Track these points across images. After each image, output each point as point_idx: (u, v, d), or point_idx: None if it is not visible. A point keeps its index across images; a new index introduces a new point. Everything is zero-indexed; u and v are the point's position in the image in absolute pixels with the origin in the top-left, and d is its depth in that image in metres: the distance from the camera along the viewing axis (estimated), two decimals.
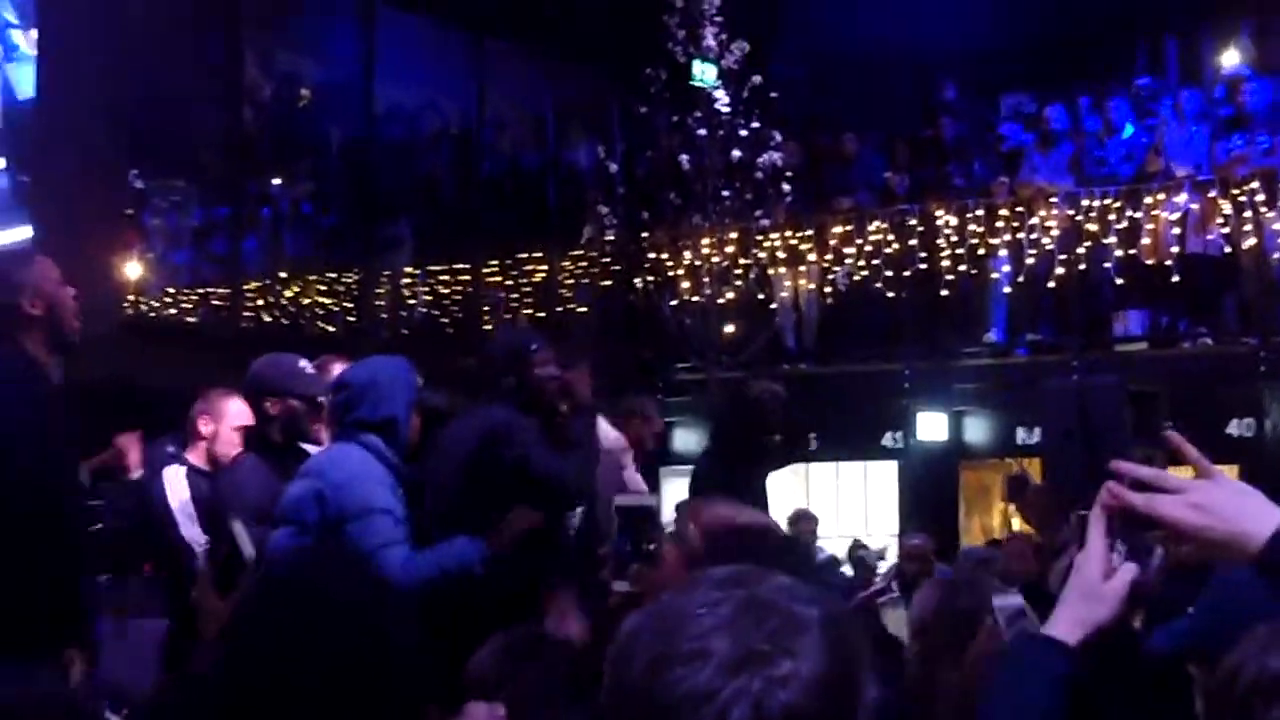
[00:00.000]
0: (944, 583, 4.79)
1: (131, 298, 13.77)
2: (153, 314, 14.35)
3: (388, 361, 6.13)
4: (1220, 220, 14.57)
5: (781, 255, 16.42)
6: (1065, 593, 2.42)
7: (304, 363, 6.54)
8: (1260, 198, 14.34)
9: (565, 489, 6.23)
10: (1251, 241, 14.46)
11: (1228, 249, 14.61)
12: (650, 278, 16.69)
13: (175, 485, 6.67)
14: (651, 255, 16.78)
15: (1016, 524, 13.67)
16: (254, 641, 2.19)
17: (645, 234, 16.58)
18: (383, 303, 16.42)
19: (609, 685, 1.62)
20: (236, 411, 6.82)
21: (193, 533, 6.57)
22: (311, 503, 5.74)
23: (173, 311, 14.90)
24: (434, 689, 2.25)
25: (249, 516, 6.13)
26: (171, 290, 15.07)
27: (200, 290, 15.37)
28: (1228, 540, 2.33)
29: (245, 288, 15.28)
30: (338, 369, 6.71)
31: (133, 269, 13.83)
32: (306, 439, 6.50)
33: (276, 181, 16.11)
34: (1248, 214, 14.42)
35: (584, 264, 17.59)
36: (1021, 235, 15.37)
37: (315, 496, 5.74)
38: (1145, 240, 14.88)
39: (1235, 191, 14.51)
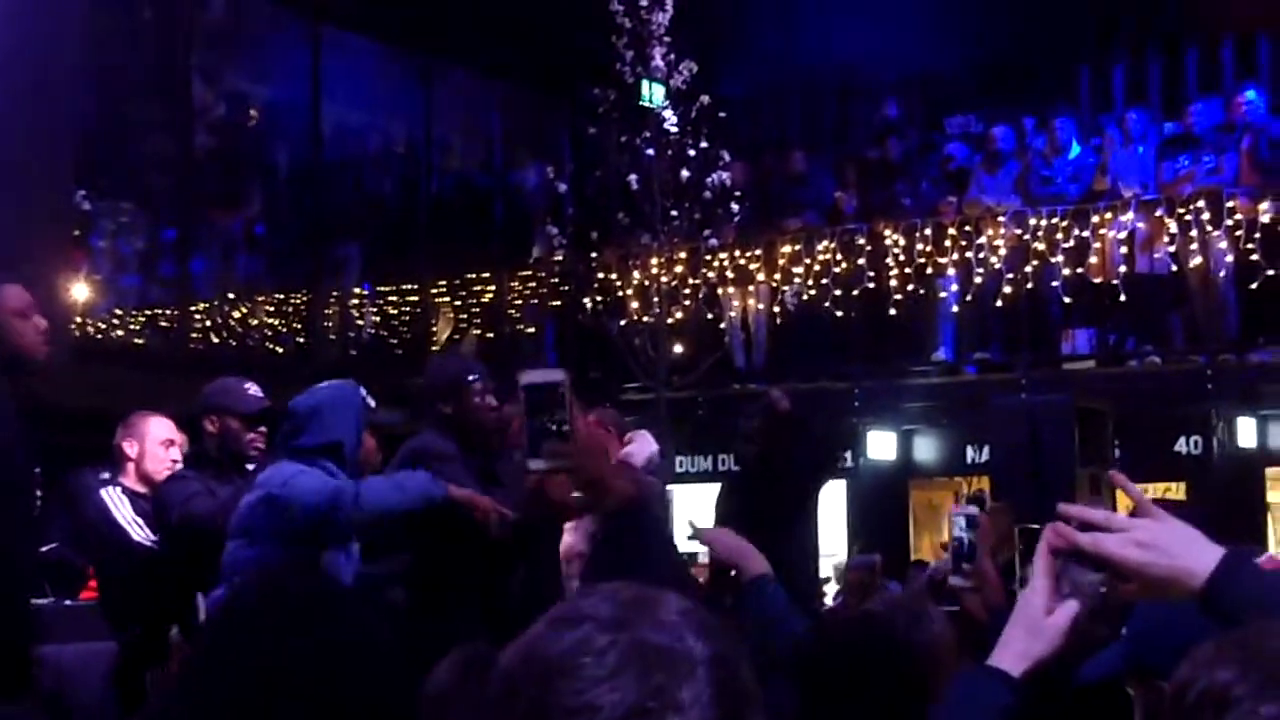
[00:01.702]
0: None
1: (79, 320, 13.68)
2: (100, 336, 14.26)
3: (334, 386, 6.13)
4: (1166, 239, 14.67)
5: (730, 275, 16.44)
6: (1009, 626, 2.53)
7: (249, 384, 6.59)
8: (1206, 216, 14.45)
9: (480, 525, 6.18)
10: (1197, 260, 14.56)
11: (1174, 268, 14.71)
12: (599, 297, 16.69)
13: (117, 503, 6.70)
14: (600, 275, 16.78)
15: None
16: (220, 666, 2.17)
17: (594, 254, 16.58)
18: (331, 324, 16.38)
19: None
20: (158, 428, 6.90)
21: (144, 535, 6.60)
22: (259, 510, 5.75)
23: (120, 334, 14.82)
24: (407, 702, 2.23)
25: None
26: (119, 312, 14.99)
27: (148, 312, 15.29)
28: (1171, 577, 2.43)
29: (193, 309, 15.21)
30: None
31: (80, 291, 13.74)
32: (245, 458, 6.51)
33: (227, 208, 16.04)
34: (1194, 233, 14.52)
35: (532, 284, 17.59)
36: (969, 254, 15.43)
37: (263, 503, 5.75)
38: (1092, 259, 14.97)
39: (1181, 210, 14.61)
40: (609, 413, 8.39)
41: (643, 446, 7.90)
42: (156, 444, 6.91)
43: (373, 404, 6.13)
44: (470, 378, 6.49)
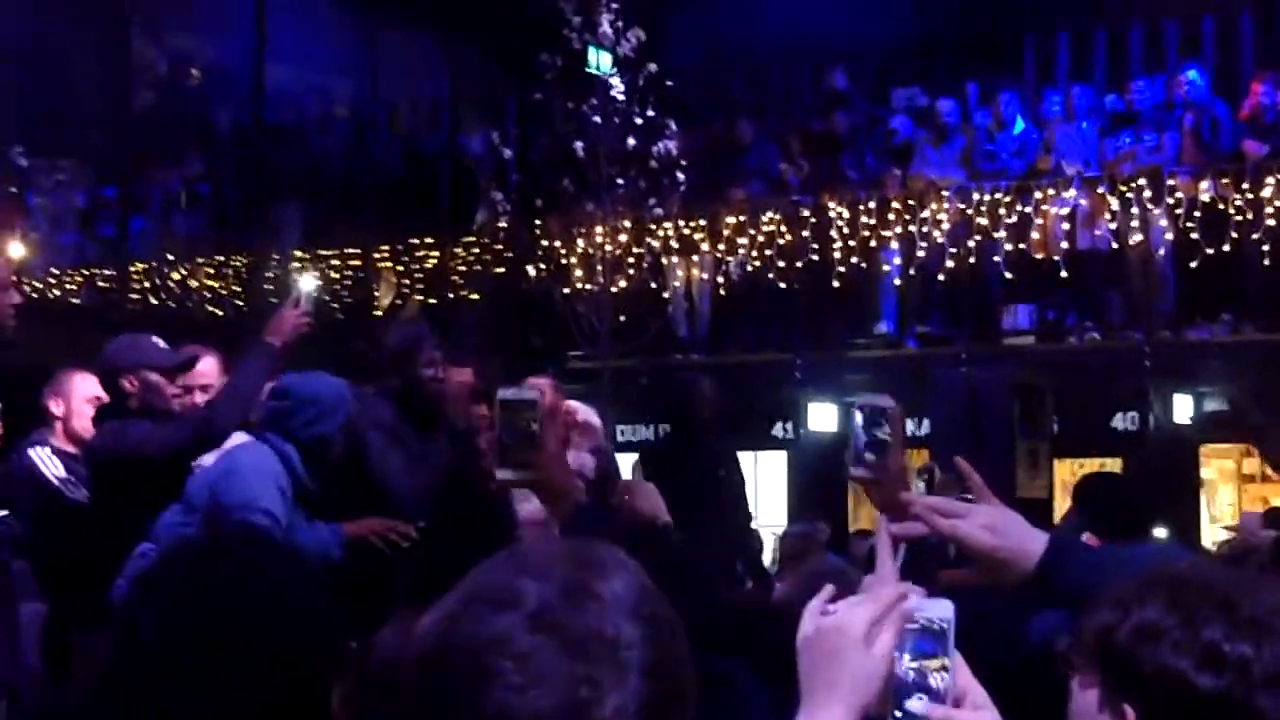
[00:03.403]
0: (809, 574, 4.87)
1: (14, 278, 13.53)
2: (36, 295, 14.13)
3: (331, 382, 6.09)
4: (1108, 216, 14.74)
5: (675, 244, 16.41)
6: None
7: (156, 339, 6.46)
8: (1147, 194, 14.52)
9: (394, 494, 6.16)
10: (1138, 238, 14.64)
11: (1115, 245, 14.79)
12: (543, 265, 16.63)
13: (47, 462, 6.60)
14: (545, 243, 16.72)
15: None
16: (144, 622, 2.16)
17: (538, 221, 16.53)
18: (271, 287, 16.26)
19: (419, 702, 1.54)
20: (84, 385, 6.78)
21: (76, 494, 6.49)
22: (203, 487, 5.71)
23: (57, 292, 14.69)
24: (336, 661, 2.21)
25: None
26: (56, 271, 14.86)
27: (86, 271, 15.16)
28: (1014, 558, 2.59)
29: (132, 269, 15.09)
30: (206, 359, 6.67)
31: (15, 249, 13.58)
32: (167, 412, 6.38)
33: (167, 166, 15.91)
34: (1134, 210, 14.60)
35: (476, 250, 17.50)
36: (913, 228, 15.46)
37: (208, 482, 5.72)
38: (1034, 235, 15.03)
39: (1123, 188, 14.68)
40: (548, 381, 8.39)
41: (593, 417, 7.96)
42: (83, 402, 6.79)
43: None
44: (422, 347, 6.50)
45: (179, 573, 2.24)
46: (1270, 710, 2.07)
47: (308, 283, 6.51)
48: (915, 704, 1.88)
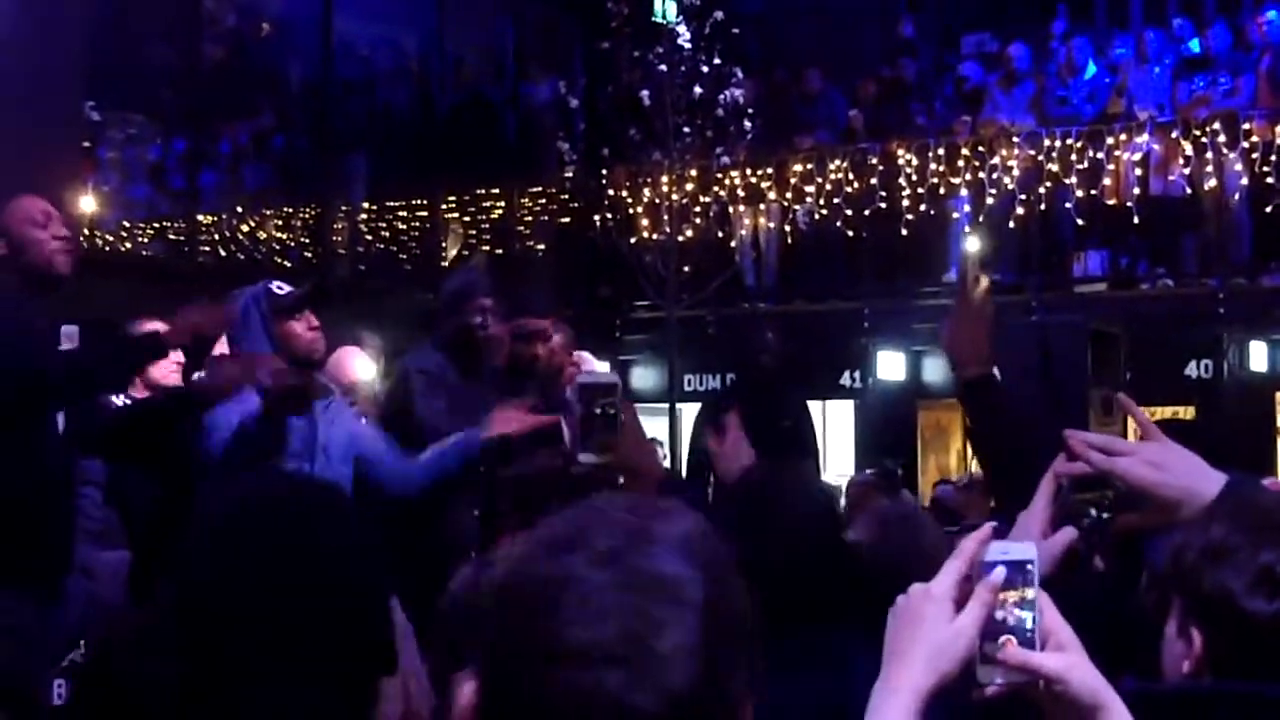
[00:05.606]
0: (879, 514, 4.83)
1: (86, 231, 13.64)
2: (108, 248, 14.24)
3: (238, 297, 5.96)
4: (1181, 161, 14.58)
5: (742, 193, 16.37)
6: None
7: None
8: (1221, 139, 14.35)
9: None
10: (1212, 183, 14.48)
11: (1189, 190, 14.63)
12: (610, 215, 16.62)
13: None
14: (611, 192, 16.71)
15: (975, 466, 13.71)
16: (206, 564, 2.19)
17: (605, 171, 16.51)
18: (340, 239, 16.32)
19: (493, 652, 1.56)
20: None
21: None
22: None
23: (128, 246, 14.80)
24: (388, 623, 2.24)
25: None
26: (127, 224, 14.96)
27: (156, 224, 15.27)
28: (1181, 497, 2.46)
29: (202, 222, 15.19)
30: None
31: (88, 202, 13.68)
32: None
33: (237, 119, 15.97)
34: (1209, 155, 14.43)
35: (543, 201, 17.51)
36: (982, 175, 15.35)
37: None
38: (1106, 181, 14.89)
39: (1197, 133, 14.51)
40: (563, 328, 8.34)
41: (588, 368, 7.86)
42: None
43: (282, 290, 5.80)
44: (471, 296, 6.40)
45: (222, 516, 2.27)
46: None
47: None
48: (991, 647, 1.82)
